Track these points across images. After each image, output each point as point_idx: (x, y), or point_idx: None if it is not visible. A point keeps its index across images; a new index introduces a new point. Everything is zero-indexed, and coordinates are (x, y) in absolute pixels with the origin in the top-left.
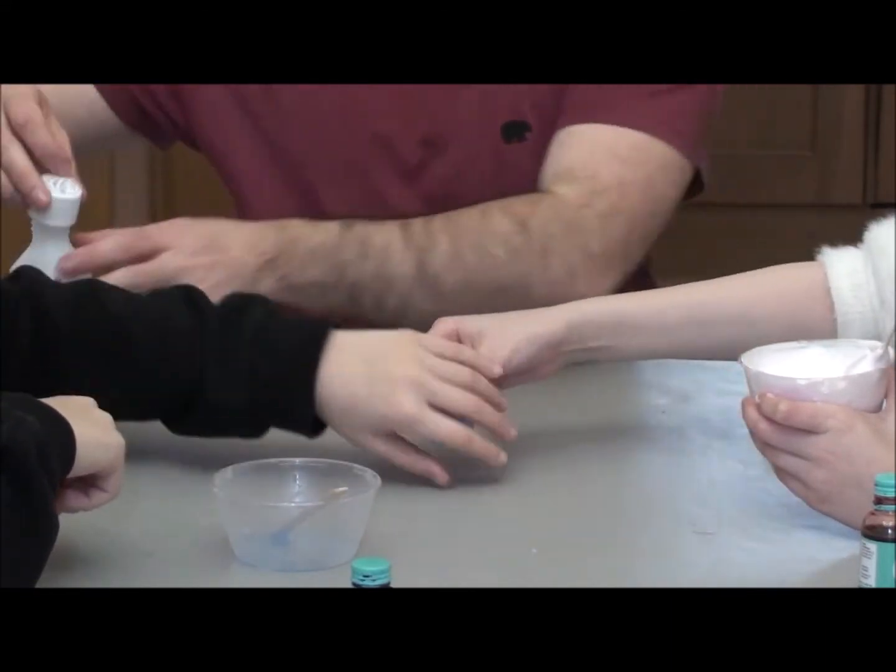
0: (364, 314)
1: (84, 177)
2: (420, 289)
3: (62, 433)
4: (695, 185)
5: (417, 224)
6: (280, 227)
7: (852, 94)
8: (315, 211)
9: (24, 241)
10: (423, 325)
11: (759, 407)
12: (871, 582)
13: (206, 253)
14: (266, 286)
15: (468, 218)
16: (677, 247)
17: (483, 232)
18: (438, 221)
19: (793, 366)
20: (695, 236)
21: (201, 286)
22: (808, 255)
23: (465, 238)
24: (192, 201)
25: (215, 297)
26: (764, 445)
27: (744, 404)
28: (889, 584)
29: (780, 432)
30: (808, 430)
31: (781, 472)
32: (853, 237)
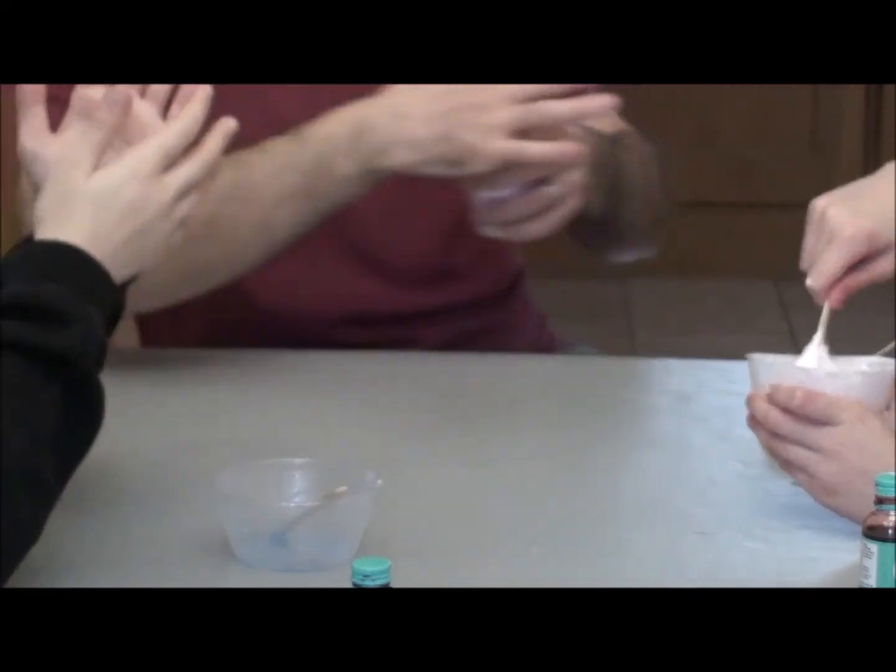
0: None
1: None
2: None
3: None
4: None
5: None
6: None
7: (852, 94)
8: None
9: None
10: None
11: (769, 397)
12: (871, 582)
13: None
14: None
15: None
16: (677, 247)
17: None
18: None
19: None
20: (695, 236)
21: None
22: None
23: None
24: None
25: None
26: (772, 437)
27: (751, 398)
28: (889, 584)
29: (792, 422)
30: (822, 422)
31: (788, 466)
32: None
